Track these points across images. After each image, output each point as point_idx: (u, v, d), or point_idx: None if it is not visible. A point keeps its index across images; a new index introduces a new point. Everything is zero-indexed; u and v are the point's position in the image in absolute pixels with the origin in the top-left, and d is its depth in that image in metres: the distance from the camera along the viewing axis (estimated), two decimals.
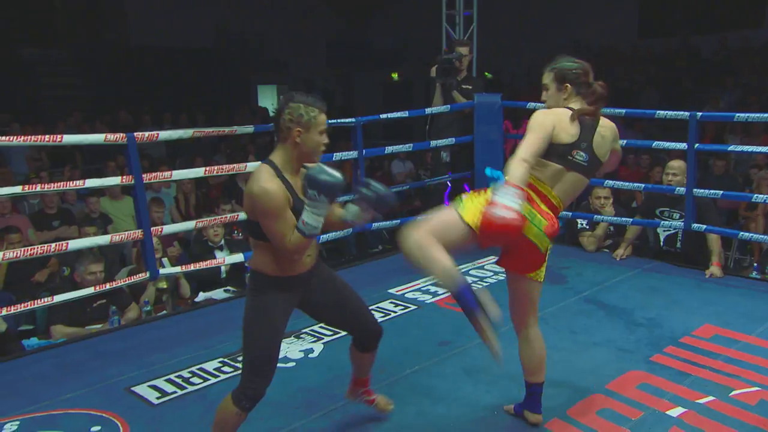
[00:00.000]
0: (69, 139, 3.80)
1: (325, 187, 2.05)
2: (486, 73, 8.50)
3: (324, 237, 4.91)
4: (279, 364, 3.24)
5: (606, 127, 2.49)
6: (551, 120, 2.39)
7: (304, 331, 3.68)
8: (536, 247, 2.40)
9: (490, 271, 4.74)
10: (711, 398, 2.80)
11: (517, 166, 2.28)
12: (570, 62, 2.49)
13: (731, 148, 5.21)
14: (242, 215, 4.48)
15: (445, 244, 2.28)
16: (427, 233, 2.29)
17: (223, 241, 5.15)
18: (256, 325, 2.21)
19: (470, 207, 2.32)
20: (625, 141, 5.82)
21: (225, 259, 4.53)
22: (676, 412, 2.71)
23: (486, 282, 4.51)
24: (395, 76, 16.80)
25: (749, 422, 2.61)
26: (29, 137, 3.71)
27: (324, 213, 2.10)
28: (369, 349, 2.54)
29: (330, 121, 5.66)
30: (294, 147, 2.17)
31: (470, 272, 4.73)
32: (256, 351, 2.21)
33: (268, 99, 16.71)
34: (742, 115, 4.44)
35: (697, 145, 4.45)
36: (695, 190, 4.47)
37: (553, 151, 2.38)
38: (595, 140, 2.44)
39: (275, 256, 2.17)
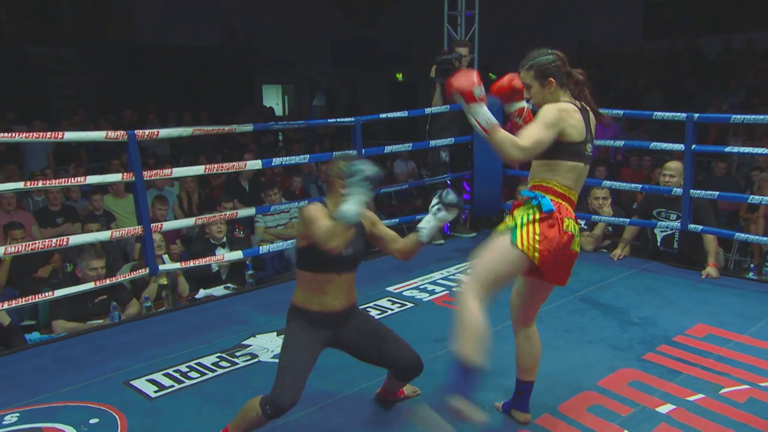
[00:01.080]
0: (70, 136, 3.86)
1: (370, 174, 2.24)
2: (490, 74, 8.52)
3: None
4: (276, 360, 3.30)
5: (591, 113, 2.48)
6: (564, 118, 2.33)
7: None
8: (576, 254, 2.44)
9: None
10: (700, 396, 2.83)
11: (513, 153, 2.29)
12: (546, 55, 2.42)
13: (728, 149, 5.21)
14: (246, 214, 4.55)
15: (500, 282, 2.34)
16: (481, 286, 2.29)
17: (225, 239, 5.20)
18: (286, 346, 2.48)
19: (524, 235, 2.30)
20: (623, 142, 5.90)
21: (224, 255, 4.58)
22: (665, 409, 2.74)
23: None
24: (400, 76, 16.86)
25: (737, 419, 2.64)
26: (31, 134, 3.77)
27: (362, 200, 2.25)
28: (408, 380, 2.75)
29: (330, 120, 5.72)
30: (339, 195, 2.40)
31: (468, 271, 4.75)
32: (283, 367, 2.42)
33: (272, 98, 16.77)
34: (738, 116, 4.46)
35: (694, 146, 4.47)
36: (692, 191, 4.50)
37: (573, 150, 2.35)
38: (592, 129, 2.45)
39: (308, 291, 2.49)
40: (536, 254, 2.28)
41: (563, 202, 2.37)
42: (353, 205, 2.24)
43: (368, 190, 2.25)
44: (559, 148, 2.35)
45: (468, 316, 2.24)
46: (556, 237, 2.31)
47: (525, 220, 2.33)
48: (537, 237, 2.29)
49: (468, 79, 2.24)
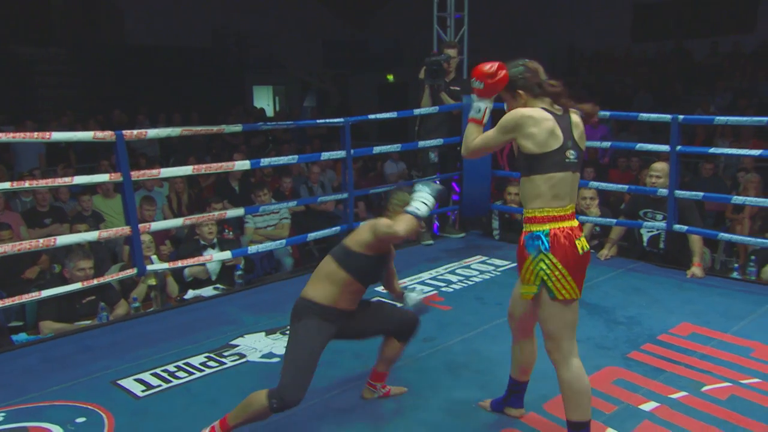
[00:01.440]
0: (58, 136, 3.84)
1: (435, 187, 2.72)
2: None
3: (313, 235, 4.97)
4: (264, 360, 3.34)
5: (576, 117, 2.43)
6: (523, 125, 2.32)
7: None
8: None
9: (476, 270, 4.80)
10: (683, 393, 2.87)
11: (462, 149, 2.56)
12: (516, 67, 2.41)
13: (712, 150, 5.26)
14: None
15: (574, 327, 2.44)
16: (568, 342, 2.41)
17: (215, 240, 5.20)
18: (298, 342, 2.54)
19: (558, 285, 2.34)
20: (609, 143, 5.95)
21: (213, 255, 4.58)
22: (648, 406, 2.77)
23: (472, 281, 4.57)
24: (391, 77, 16.88)
25: (719, 416, 2.67)
26: (18, 134, 3.76)
27: (429, 204, 2.64)
28: (410, 337, 2.87)
29: (319, 121, 5.72)
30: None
31: (456, 271, 4.78)
32: (294, 363, 2.50)
33: (263, 100, 16.76)
34: (722, 118, 4.51)
35: (678, 147, 4.52)
36: (677, 191, 4.54)
37: (551, 161, 2.31)
38: (575, 134, 2.38)
39: (339, 290, 2.62)
40: (578, 290, 2.37)
41: (565, 224, 2.35)
42: (422, 204, 2.61)
43: (433, 198, 2.64)
44: (534, 162, 2.33)
45: (574, 375, 2.37)
46: (579, 262, 2.35)
47: (546, 268, 2.33)
48: (568, 277, 2.32)
49: (491, 69, 2.41)
